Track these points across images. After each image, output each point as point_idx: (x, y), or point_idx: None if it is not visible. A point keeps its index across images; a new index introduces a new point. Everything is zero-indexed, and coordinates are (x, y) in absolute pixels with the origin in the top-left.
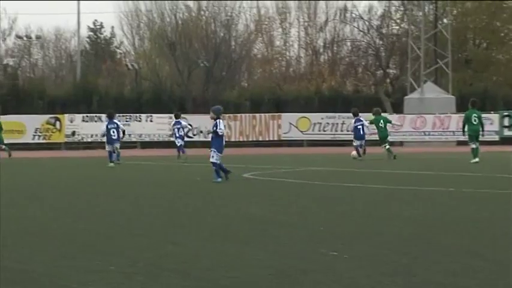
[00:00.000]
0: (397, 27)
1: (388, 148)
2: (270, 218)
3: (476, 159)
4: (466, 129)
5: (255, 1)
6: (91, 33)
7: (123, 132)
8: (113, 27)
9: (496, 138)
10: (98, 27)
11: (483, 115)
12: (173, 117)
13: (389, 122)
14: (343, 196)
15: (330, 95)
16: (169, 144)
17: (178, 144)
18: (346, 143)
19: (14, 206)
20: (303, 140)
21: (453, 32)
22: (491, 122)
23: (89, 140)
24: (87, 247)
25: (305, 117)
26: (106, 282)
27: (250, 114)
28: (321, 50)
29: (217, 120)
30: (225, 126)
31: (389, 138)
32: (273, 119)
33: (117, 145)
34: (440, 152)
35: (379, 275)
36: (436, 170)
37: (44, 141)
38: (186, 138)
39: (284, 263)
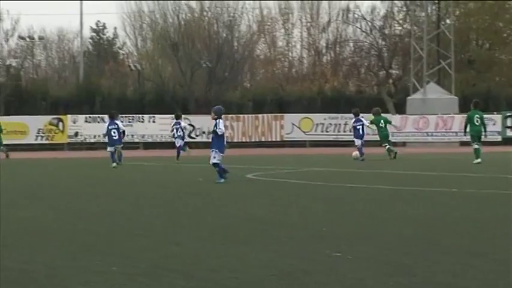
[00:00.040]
0: (400, 27)
1: (388, 148)
2: (272, 218)
3: (479, 160)
4: (468, 129)
5: (258, 0)
6: (94, 34)
7: (123, 132)
8: (115, 28)
9: (499, 138)
10: (100, 28)
11: (486, 116)
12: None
13: (389, 122)
14: (346, 197)
15: (332, 96)
16: (172, 145)
17: (178, 145)
18: (349, 144)
19: (14, 206)
20: (305, 141)
21: (456, 32)
22: (494, 123)
23: (92, 140)
24: (88, 247)
25: (308, 117)
26: (109, 283)
27: (253, 115)
28: (324, 50)
29: (217, 120)
30: (225, 126)
31: (393, 139)
32: (276, 120)
33: (119, 146)
34: (443, 153)
35: (382, 275)
36: (439, 170)
37: (47, 141)
38: (188, 139)
39: (287, 264)
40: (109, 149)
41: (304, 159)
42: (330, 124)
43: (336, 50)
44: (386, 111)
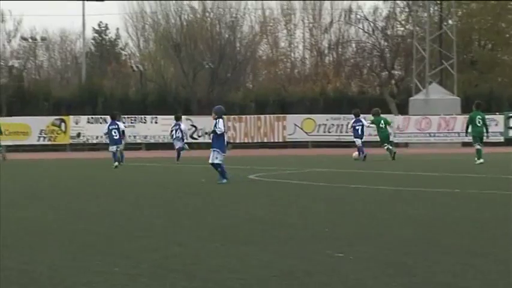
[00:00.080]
0: (402, 28)
1: (388, 147)
2: (274, 219)
3: (481, 160)
4: (469, 130)
5: (260, 0)
6: (96, 35)
7: (123, 132)
8: (118, 28)
9: (501, 139)
10: (103, 28)
11: (488, 116)
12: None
13: (389, 123)
14: (348, 197)
15: (334, 96)
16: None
17: (177, 147)
18: (351, 145)
19: (14, 206)
20: (308, 142)
21: (458, 33)
22: (497, 123)
23: (94, 141)
24: (88, 247)
25: (310, 118)
26: (110, 284)
27: (255, 116)
28: (326, 51)
29: (217, 120)
30: (228, 126)
31: (395, 140)
32: (278, 121)
33: (121, 147)
34: (445, 153)
35: (385, 276)
36: (441, 171)
37: (49, 142)
38: (190, 140)
39: (288, 264)
40: (111, 148)
41: (307, 160)
42: (332, 125)
43: (338, 51)
44: (389, 112)
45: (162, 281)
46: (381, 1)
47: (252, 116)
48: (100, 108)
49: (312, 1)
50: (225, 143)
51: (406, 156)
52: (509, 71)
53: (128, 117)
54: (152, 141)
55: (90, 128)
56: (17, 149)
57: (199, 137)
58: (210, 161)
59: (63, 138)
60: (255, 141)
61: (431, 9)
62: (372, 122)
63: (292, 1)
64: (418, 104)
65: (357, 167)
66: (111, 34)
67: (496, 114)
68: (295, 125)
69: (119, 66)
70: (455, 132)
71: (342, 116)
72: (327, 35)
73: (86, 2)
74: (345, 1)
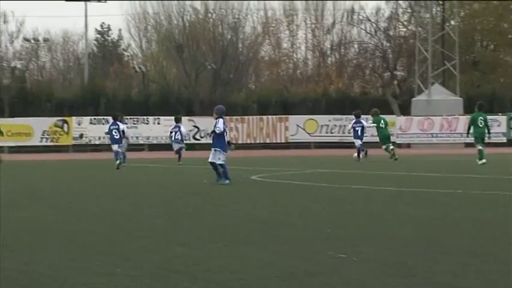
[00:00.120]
0: (405, 29)
1: (386, 148)
2: (276, 219)
3: (484, 160)
4: (471, 131)
5: (262, 1)
6: (98, 35)
7: (123, 132)
8: (120, 29)
9: (504, 140)
10: (105, 29)
11: (491, 117)
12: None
13: (387, 123)
14: (350, 198)
15: (337, 97)
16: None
17: (175, 149)
18: (354, 145)
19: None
20: (310, 142)
21: (461, 33)
22: (499, 124)
23: (97, 142)
24: (88, 247)
25: (312, 119)
26: (113, 285)
27: (258, 117)
28: (328, 52)
29: (217, 119)
30: (230, 127)
31: (397, 141)
32: (280, 121)
33: (124, 148)
34: (448, 154)
35: (386, 276)
36: (444, 172)
37: (52, 143)
38: (193, 141)
39: (290, 265)
40: (114, 148)
41: (309, 161)
42: (335, 125)
43: (340, 52)
44: (391, 113)
45: (164, 282)
46: (384, 1)
47: (255, 116)
48: (102, 109)
49: (315, 1)
50: (226, 142)
51: (409, 156)
52: None
53: (130, 118)
54: (155, 142)
55: (93, 129)
56: (20, 150)
57: (201, 137)
58: (209, 160)
59: (66, 139)
60: (257, 142)
61: (434, 9)
62: (374, 122)
63: (294, 1)
64: (420, 104)
65: (360, 168)
66: (114, 35)
67: (498, 115)
68: (298, 125)
69: (121, 67)
70: (457, 133)
71: (344, 116)
72: (329, 35)
73: (88, 2)
74: (347, 0)
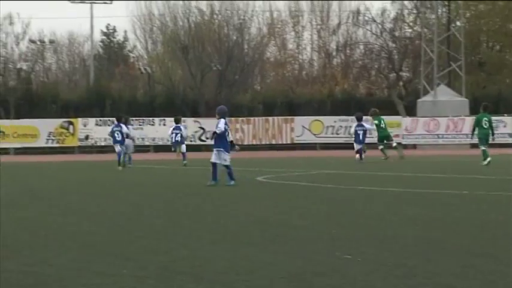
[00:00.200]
0: (410, 30)
1: (382, 149)
2: (282, 221)
3: (489, 159)
4: (476, 132)
5: (268, 1)
6: (104, 37)
7: (127, 135)
8: (125, 31)
9: (510, 140)
10: (111, 31)
11: (496, 118)
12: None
13: (386, 124)
14: (356, 199)
15: (343, 98)
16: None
17: (175, 150)
18: None
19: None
20: (316, 143)
21: (466, 34)
22: (505, 125)
23: (102, 143)
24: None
25: (318, 120)
26: (119, 286)
27: (263, 118)
28: (334, 53)
29: (219, 120)
30: (228, 125)
31: (403, 141)
32: (286, 122)
33: (130, 151)
34: (453, 155)
35: (393, 277)
36: (450, 172)
37: (58, 145)
38: (199, 142)
39: (296, 266)
40: (116, 148)
41: (315, 162)
42: (340, 127)
43: (346, 53)
44: (397, 114)
45: (169, 283)
46: (389, 1)
47: (260, 118)
48: (108, 111)
49: (320, 1)
50: (228, 142)
51: (415, 157)
52: None
53: (136, 120)
54: (160, 143)
55: (99, 131)
56: (26, 151)
57: (207, 139)
58: (212, 160)
59: (72, 141)
60: (263, 143)
61: (439, 10)
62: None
63: (300, 1)
64: (426, 105)
65: (365, 169)
66: (119, 36)
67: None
68: (303, 126)
69: (126, 68)
70: (463, 134)
71: (349, 117)
72: (334, 36)
73: (94, 4)
74: (353, 1)
